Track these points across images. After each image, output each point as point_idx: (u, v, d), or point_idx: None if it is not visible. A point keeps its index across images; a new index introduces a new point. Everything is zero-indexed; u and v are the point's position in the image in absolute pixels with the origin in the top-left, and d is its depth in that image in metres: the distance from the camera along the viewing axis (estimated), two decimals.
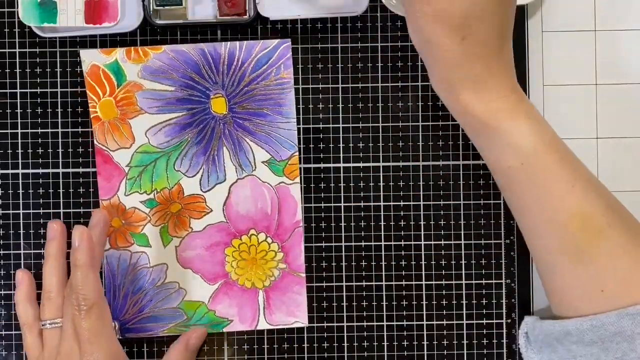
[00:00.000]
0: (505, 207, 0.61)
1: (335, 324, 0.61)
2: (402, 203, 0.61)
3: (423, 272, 0.61)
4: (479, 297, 0.61)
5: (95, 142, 0.59)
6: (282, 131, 0.59)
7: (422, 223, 0.61)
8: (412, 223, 0.61)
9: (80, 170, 0.60)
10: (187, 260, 0.60)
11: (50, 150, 0.60)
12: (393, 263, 0.61)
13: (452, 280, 0.61)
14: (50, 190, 0.60)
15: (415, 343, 0.61)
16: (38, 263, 0.60)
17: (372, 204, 0.61)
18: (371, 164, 0.61)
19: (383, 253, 0.61)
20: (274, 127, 0.59)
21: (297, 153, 0.59)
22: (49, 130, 0.60)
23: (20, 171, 0.60)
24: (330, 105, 0.61)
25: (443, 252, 0.61)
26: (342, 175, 0.61)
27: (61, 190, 0.60)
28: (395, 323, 0.61)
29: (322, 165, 0.61)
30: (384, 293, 0.61)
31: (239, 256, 0.60)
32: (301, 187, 0.60)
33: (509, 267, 0.61)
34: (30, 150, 0.60)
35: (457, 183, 0.61)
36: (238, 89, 0.59)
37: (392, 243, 0.61)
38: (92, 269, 0.54)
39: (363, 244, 0.61)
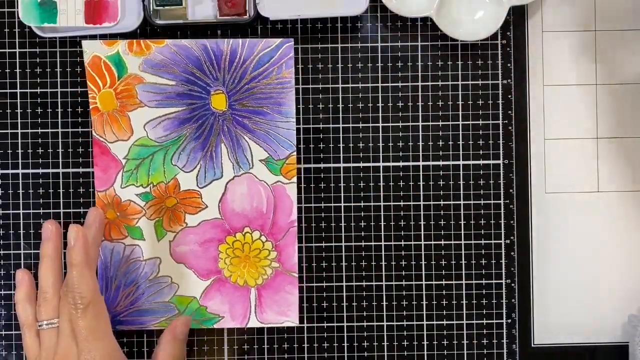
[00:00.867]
0: (505, 207, 0.61)
1: (335, 324, 0.61)
2: (402, 203, 0.61)
3: (423, 272, 0.61)
4: (479, 297, 0.61)
5: (93, 133, 0.59)
6: (281, 130, 0.59)
7: (422, 223, 0.61)
8: (412, 223, 0.61)
9: (80, 170, 0.60)
10: (180, 255, 0.60)
11: (50, 150, 0.60)
12: (393, 263, 0.61)
13: (452, 280, 0.61)
14: (50, 190, 0.60)
15: (415, 343, 0.61)
16: (38, 263, 0.60)
17: (372, 204, 0.61)
18: (371, 164, 0.61)
19: (383, 253, 0.61)
20: (273, 126, 0.59)
21: (295, 153, 0.59)
22: (49, 130, 0.60)
23: (20, 171, 0.60)
24: (330, 105, 0.61)
25: (443, 252, 0.61)
26: (342, 175, 0.61)
27: (61, 190, 0.60)
28: (395, 323, 0.61)
29: (322, 165, 0.61)
30: (384, 293, 0.61)
31: (232, 253, 0.60)
32: (298, 186, 0.60)
33: (509, 267, 0.61)
34: (30, 150, 0.60)
35: (457, 183, 0.61)
36: (239, 86, 0.59)
37: (392, 243, 0.61)
38: (87, 267, 0.54)
39: (363, 244, 0.61)
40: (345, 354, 0.61)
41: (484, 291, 0.61)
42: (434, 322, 0.61)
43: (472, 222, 0.61)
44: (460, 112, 0.61)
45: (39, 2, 0.58)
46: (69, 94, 0.60)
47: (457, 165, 0.61)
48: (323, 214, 0.61)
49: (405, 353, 0.61)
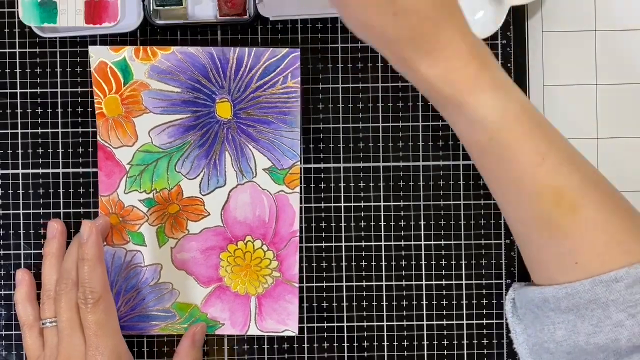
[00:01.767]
0: None
1: (335, 324, 0.61)
2: (402, 203, 0.61)
3: (423, 272, 0.61)
4: (479, 297, 0.61)
5: (98, 138, 0.59)
6: (285, 140, 0.59)
7: (422, 223, 0.61)
8: (412, 223, 0.61)
9: (81, 170, 0.60)
10: (181, 262, 0.60)
11: (50, 150, 0.60)
12: (393, 263, 0.61)
13: (452, 280, 0.61)
14: (50, 190, 0.60)
15: (415, 343, 0.61)
16: (38, 263, 0.60)
17: (372, 204, 0.61)
18: (371, 164, 0.61)
19: (383, 253, 0.61)
20: (278, 136, 0.59)
21: (298, 163, 0.59)
22: (49, 130, 0.60)
23: (20, 171, 0.60)
24: (331, 105, 0.61)
25: (443, 252, 0.61)
26: (342, 175, 0.61)
27: (61, 190, 0.60)
28: (395, 323, 0.61)
29: (322, 165, 0.61)
30: (384, 293, 0.61)
31: (233, 261, 0.60)
32: (301, 196, 0.60)
33: (509, 267, 0.61)
34: (30, 150, 0.60)
35: (457, 183, 0.61)
36: (244, 95, 0.59)
37: (392, 243, 0.61)
38: (99, 262, 0.54)
39: (363, 244, 0.61)
40: (345, 354, 0.61)
41: (484, 291, 0.61)
42: (434, 322, 0.61)
43: (472, 222, 0.61)
44: None
45: (39, 2, 0.58)
46: (69, 94, 0.60)
47: (457, 165, 0.61)
48: (323, 214, 0.61)
49: (405, 353, 0.61)
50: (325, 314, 0.61)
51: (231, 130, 0.59)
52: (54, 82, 0.60)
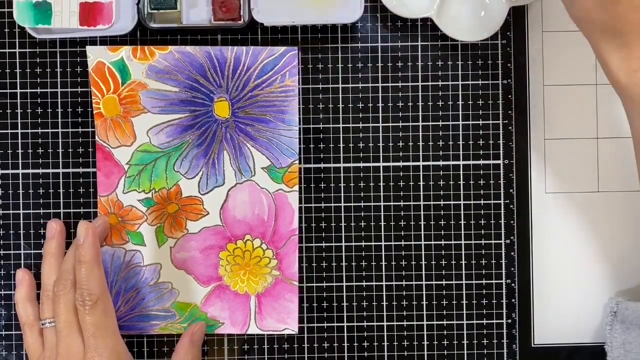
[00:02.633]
0: (506, 207, 0.61)
1: (335, 324, 0.61)
2: (402, 203, 0.61)
3: (423, 272, 0.61)
4: (479, 297, 0.61)
5: (96, 138, 0.59)
6: (283, 138, 0.59)
7: (422, 223, 0.61)
8: (412, 223, 0.61)
9: (80, 170, 0.60)
10: (181, 261, 0.60)
11: (50, 150, 0.60)
12: (393, 263, 0.61)
13: (452, 280, 0.61)
14: (50, 190, 0.60)
15: (415, 343, 0.61)
16: (38, 263, 0.60)
17: (372, 204, 0.61)
18: (371, 164, 0.61)
19: (383, 253, 0.61)
20: (276, 134, 0.59)
21: (297, 161, 0.59)
22: (49, 130, 0.60)
23: (20, 171, 0.60)
24: (331, 106, 0.61)
25: (443, 252, 0.61)
26: (342, 175, 0.61)
27: (61, 190, 0.60)
28: (395, 323, 0.61)
29: (322, 165, 0.61)
30: (384, 293, 0.61)
31: (233, 260, 0.60)
32: (298, 186, 0.60)
33: (509, 267, 0.61)
34: (30, 150, 0.60)
35: (457, 183, 0.61)
36: (242, 94, 0.59)
37: (392, 243, 0.61)
38: (97, 264, 0.54)
39: (363, 244, 0.61)
40: (345, 354, 0.61)
41: (484, 291, 0.61)
42: (434, 322, 0.61)
43: (472, 222, 0.61)
44: (460, 112, 0.61)
45: (34, 3, 0.58)
46: (69, 94, 0.60)
47: (457, 165, 0.61)
48: (323, 214, 0.61)
49: (405, 353, 0.61)
50: (325, 314, 0.61)
51: (229, 129, 0.59)
52: (53, 82, 0.60)
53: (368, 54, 0.61)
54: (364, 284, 0.61)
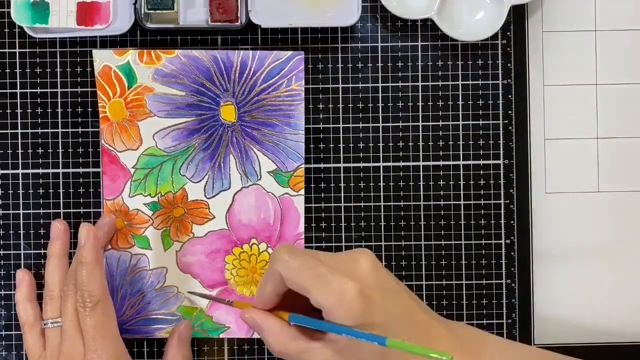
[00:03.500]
0: (506, 207, 0.61)
1: None
2: (402, 203, 0.61)
3: (423, 272, 0.61)
4: (479, 297, 0.61)
5: (102, 142, 0.59)
6: (289, 142, 0.59)
7: (422, 223, 0.61)
8: (412, 223, 0.61)
9: (81, 170, 0.60)
10: (187, 265, 0.60)
11: (50, 150, 0.60)
12: (393, 263, 0.61)
13: (452, 280, 0.61)
14: (50, 190, 0.60)
15: None
16: (38, 263, 0.60)
17: (372, 204, 0.61)
18: (371, 164, 0.61)
19: (383, 253, 0.61)
20: (282, 138, 0.59)
21: (303, 165, 0.59)
22: (49, 130, 0.60)
23: (20, 171, 0.60)
24: (331, 105, 0.61)
25: (443, 252, 0.61)
26: (342, 175, 0.61)
27: (61, 190, 0.60)
28: None
29: (322, 165, 0.61)
30: None
31: (239, 264, 0.60)
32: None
33: (509, 267, 0.61)
34: (30, 150, 0.60)
35: (457, 183, 0.61)
36: (248, 98, 0.59)
37: (392, 243, 0.61)
38: (98, 266, 0.54)
39: (363, 244, 0.61)
40: None
41: (484, 291, 0.61)
42: None
43: (472, 222, 0.61)
44: (460, 112, 0.61)
45: (32, 2, 0.58)
46: (69, 94, 0.60)
47: (457, 165, 0.61)
48: (323, 214, 0.61)
49: None
50: None
51: (235, 133, 0.59)
52: (53, 82, 0.60)
53: (368, 54, 0.60)
54: None
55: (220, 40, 0.60)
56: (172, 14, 0.58)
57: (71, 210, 0.60)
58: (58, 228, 0.58)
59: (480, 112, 0.61)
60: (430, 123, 0.61)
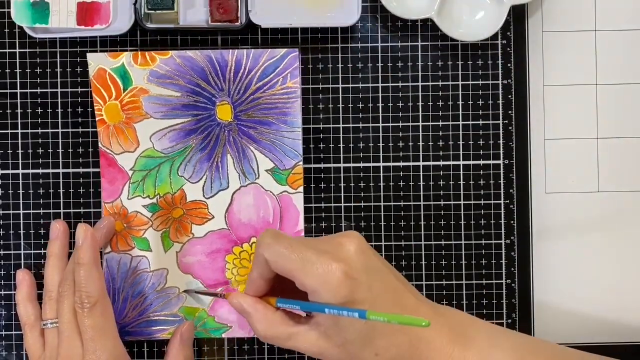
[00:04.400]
0: (506, 207, 0.61)
1: None
2: (402, 203, 0.61)
3: (423, 272, 0.61)
4: (479, 297, 0.61)
5: (99, 145, 0.59)
6: (286, 140, 0.59)
7: (422, 223, 0.61)
8: (412, 223, 0.61)
9: (81, 170, 0.60)
10: (187, 265, 0.60)
11: (50, 150, 0.60)
12: (393, 263, 0.61)
13: (452, 280, 0.61)
14: (50, 190, 0.60)
15: None
16: (38, 263, 0.60)
17: (372, 204, 0.61)
18: (371, 164, 0.61)
19: (383, 253, 0.61)
20: (279, 136, 0.59)
21: (301, 162, 0.59)
22: (49, 130, 0.60)
23: (20, 171, 0.60)
24: (331, 106, 0.61)
25: (443, 252, 0.61)
26: (342, 175, 0.61)
27: (61, 190, 0.60)
28: None
29: (322, 165, 0.61)
30: None
31: (239, 264, 0.60)
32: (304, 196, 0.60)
33: (509, 267, 0.61)
34: (30, 150, 0.60)
35: (457, 183, 0.61)
36: (244, 97, 0.59)
37: (392, 243, 0.61)
38: (95, 266, 0.54)
39: None
40: None
41: (484, 291, 0.61)
42: None
43: (472, 222, 0.61)
44: (460, 112, 0.61)
45: (32, 2, 0.58)
46: (68, 94, 0.60)
47: (457, 165, 0.61)
48: (323, 214, 0.61)
49: None
50: None
51: (232, 132, 0.59)
52: (53, 82, 0.60)
53: (368, 55, 0.61)
54: None
55: (221, 40, 0.60)
56: (172, 14, 0.58)
57: (71, 211, 0.60)
58: (57, 228, 0.58)
59: (480, 112, 0.61)
60: (430, 123, 0.61)
